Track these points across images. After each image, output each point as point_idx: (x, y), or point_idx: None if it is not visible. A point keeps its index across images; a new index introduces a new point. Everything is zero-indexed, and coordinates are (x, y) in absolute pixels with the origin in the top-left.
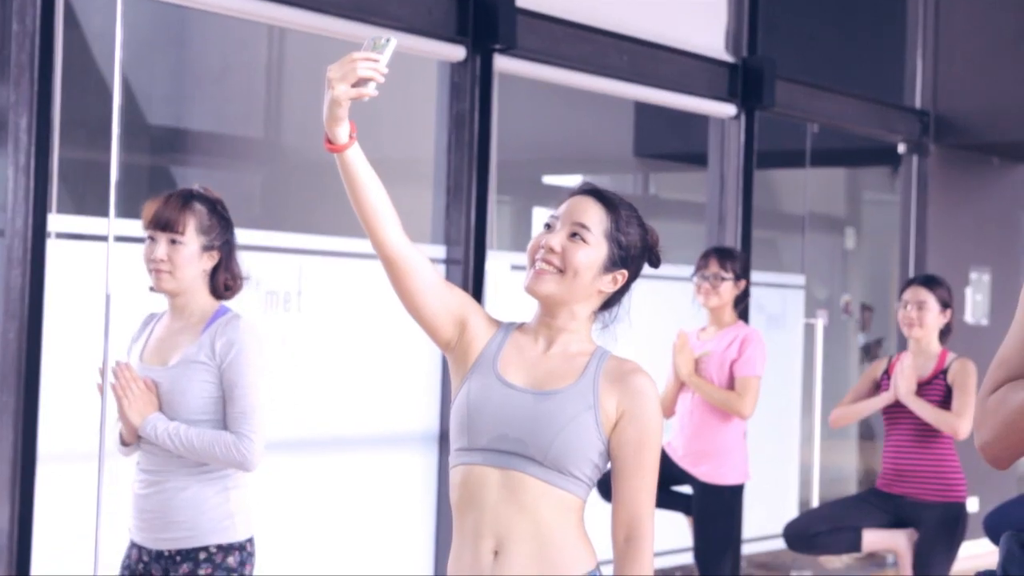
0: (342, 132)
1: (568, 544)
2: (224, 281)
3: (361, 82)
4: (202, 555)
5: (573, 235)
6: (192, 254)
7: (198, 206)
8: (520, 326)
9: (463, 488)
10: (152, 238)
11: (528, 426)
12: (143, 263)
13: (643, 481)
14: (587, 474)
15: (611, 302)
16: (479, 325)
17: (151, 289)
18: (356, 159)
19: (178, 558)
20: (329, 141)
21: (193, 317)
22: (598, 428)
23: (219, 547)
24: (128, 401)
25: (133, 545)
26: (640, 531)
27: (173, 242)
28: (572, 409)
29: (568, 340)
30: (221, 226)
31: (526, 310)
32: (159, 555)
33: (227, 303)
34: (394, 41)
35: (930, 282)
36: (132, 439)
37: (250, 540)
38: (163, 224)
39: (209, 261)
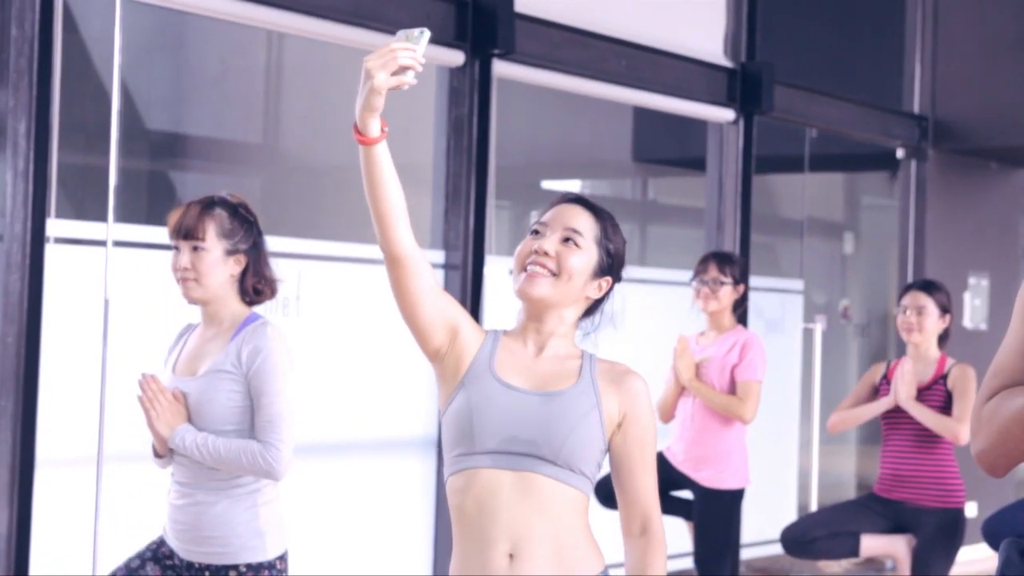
0: (375, 124)
1: (582, 544)
2: (253, 285)
3: (400, 71)
4: (232, 574)
5: (566, 240)
6: (215, 260)
7: (218, 211)
8: (506, 332)
9: (469, 492)
10: (177, 248)
11: (539, 426)
12: (172, 274)
13: (650, 476)
14: (593, 472)
15: (592, 309)
16: (469, 333)
17: (189, 302)
18: (383, 154)
19: (207, 573)
20: (359, 132)
21: (224, 324)
22: (602, 428)
23: (249, 566)
24: (155, 413)
25: (165, 542)
26: (655, 523)
27: (195, 249)
28: (579, 409)
29: (558, 344)
30: (245, 229)
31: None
32: (190, 565)
33: (258, 309)
34: (428, 33)
35: (929, 287)
36: (164, 451)
37: (280, 557)
38: (184, 232)
39: (236, 266)
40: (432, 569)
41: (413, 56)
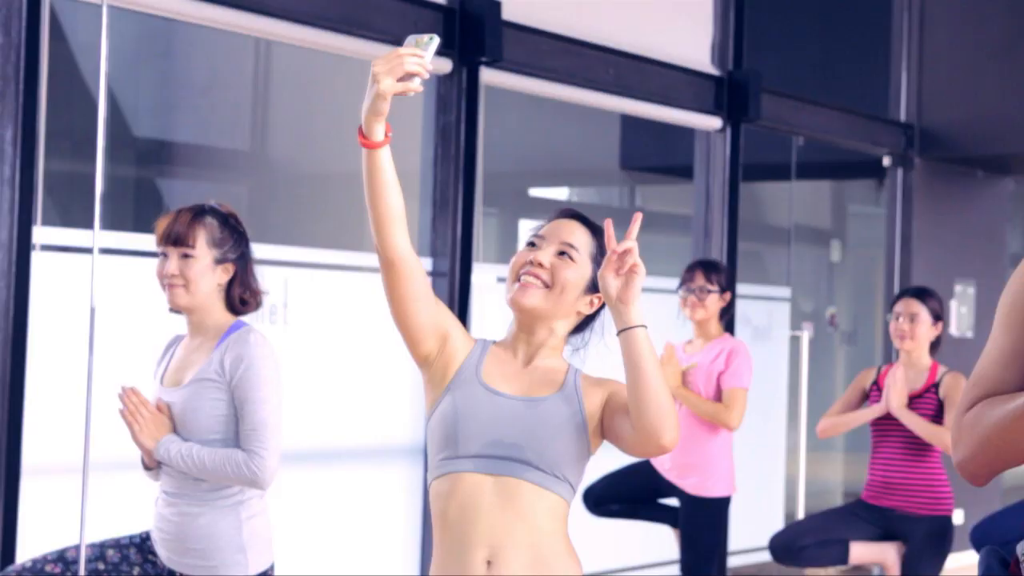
0: (380, 129)
1: (560, 551)
2: (240, 295)
3: (407, 77)
4: None
5: (561, 253)
6: (204, 268)
7: (209, 219)
8: (496, 342)
9: (452, 497)
10: (164, 254)
11: (524, 430)
12: (157, 281)
13: None
14: (576, 479)
15: (582, 326)
16: (459, 340)
17: (170, 310)
18: (386, 159)
19: None
20: (363, 136)
21: (208, 333)
22: (586, 432)
23: None
24: (139, 426)
25: (151, 539)
26: None
27: (185, 256)
28: (563, 414)
29: (546, 355)
30: (234, 239)
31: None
32: (171, 573)
33: (245, 318)
34: (437, 39)
35: (922, 294)
36: (152, 463)
37: (264, 573)
38: (174, 239)
39: (224, 275)
40: (419, 575)
41: (420, 63)
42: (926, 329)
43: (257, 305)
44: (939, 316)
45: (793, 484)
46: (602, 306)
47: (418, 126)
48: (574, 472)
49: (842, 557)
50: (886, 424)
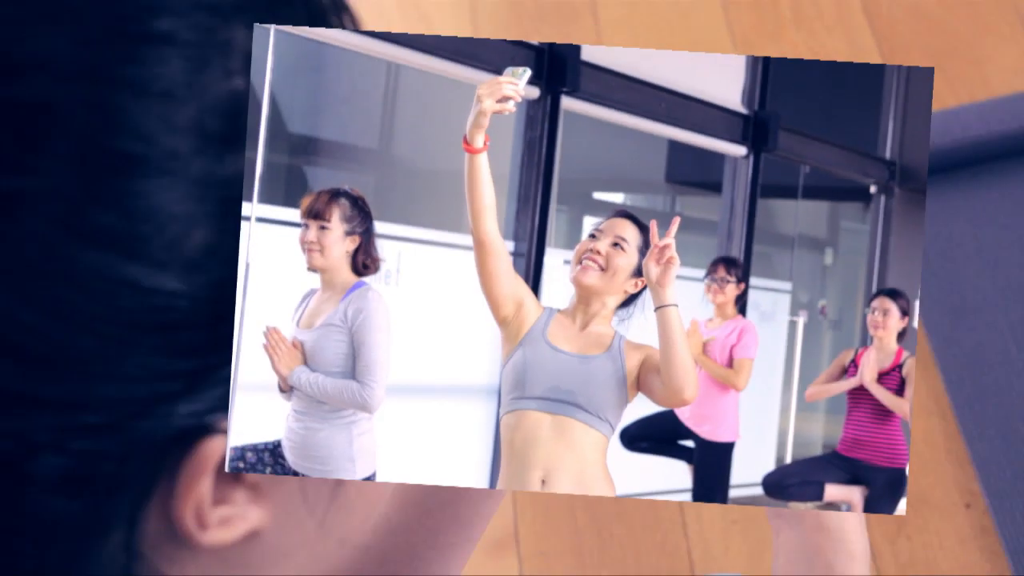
0: (480, 138)
1: (600, 476)
2: (363, 261)
3: (504, 99)
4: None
5: (615, 244)
6: (336, 238)
7: (343, 200)
8: (560, 310)
9: (517, 429)
10: (306, 225)
11: (577, 381)
12: (298, 245)
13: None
14: (616, 421)
15: (627, 302)
16: (531, 306)
17: (308, 269)
18: (483, 162)
19: None
20: (467, 143)
21: (336, 289)
22: (625, 386)
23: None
24: (277, 357)
25: (283, 447)
26: None
27: (322, 228)
28: (608, 370)
29: (598, 323)
30: (361, 217)
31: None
32: (295, 474)
33: (366, 279)
34: (529, 71)
35: (893, 293)
36: (286, 387)
37: (368, 478)
38: (314, 214)
39: (351, 244)
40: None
41: (515, 89)
42: (895, 321)
43: (376, 269)
44: (906, 312)
45: (784, 436)
46: (644, 287)
47: (510, 139)
48: (614, 415)
49: (818, 495)
50: (859, 394)
